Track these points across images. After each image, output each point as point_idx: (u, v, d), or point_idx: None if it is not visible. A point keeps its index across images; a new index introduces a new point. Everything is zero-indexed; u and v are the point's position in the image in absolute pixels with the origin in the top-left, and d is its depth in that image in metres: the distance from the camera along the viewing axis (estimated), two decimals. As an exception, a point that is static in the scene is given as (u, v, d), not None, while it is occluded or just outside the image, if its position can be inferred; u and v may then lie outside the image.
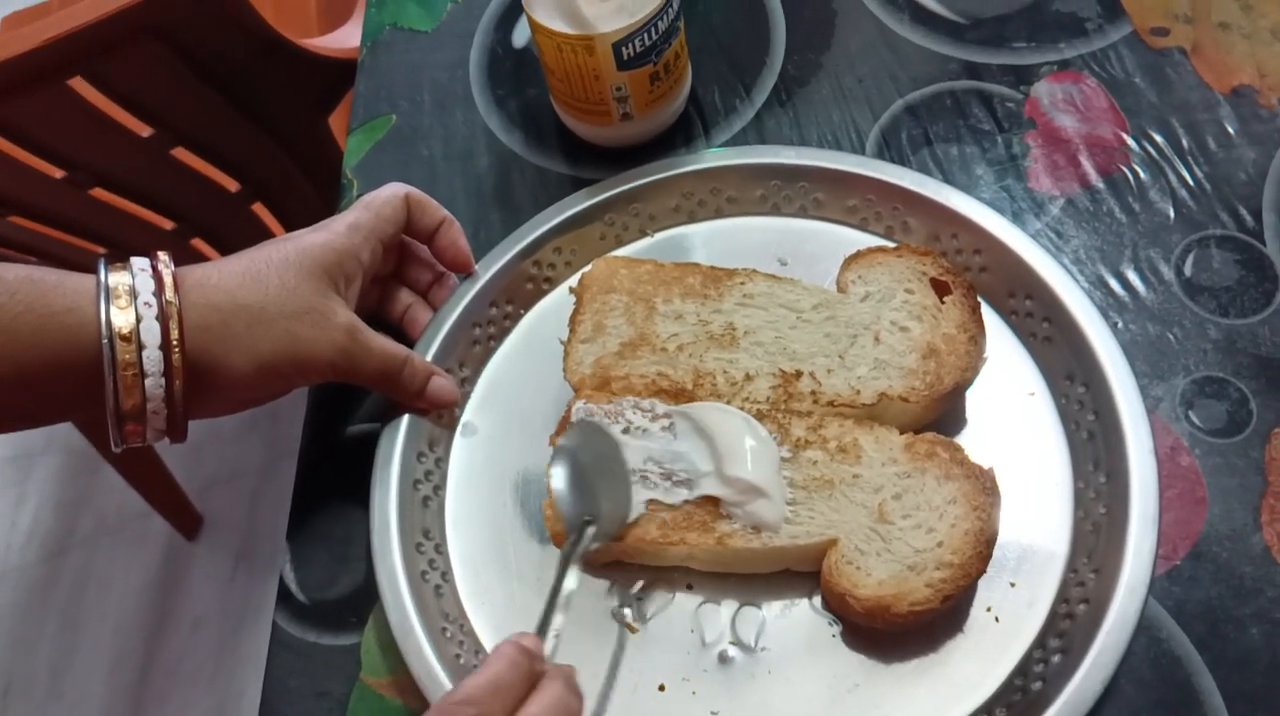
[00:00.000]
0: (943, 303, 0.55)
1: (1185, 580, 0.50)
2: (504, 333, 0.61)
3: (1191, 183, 0.60)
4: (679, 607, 0.52)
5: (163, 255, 0.50)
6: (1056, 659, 0.47)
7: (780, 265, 0.60)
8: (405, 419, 0.56)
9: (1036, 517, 0.52)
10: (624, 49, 0.59)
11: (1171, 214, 0.59)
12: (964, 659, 0.49)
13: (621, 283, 0.57)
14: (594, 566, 0.53)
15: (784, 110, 0.67)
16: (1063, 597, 0.49)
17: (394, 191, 0.58)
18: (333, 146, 1.06)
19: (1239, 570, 0.50)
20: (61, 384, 0.47)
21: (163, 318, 0.47)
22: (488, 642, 0.52)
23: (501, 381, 0.60)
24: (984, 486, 0.49)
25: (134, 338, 0.46)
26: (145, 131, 0.93)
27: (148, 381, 0.47)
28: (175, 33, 0.85)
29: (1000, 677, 0.48)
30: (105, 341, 0.46)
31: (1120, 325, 0.56)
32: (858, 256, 0.57)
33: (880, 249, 0.57)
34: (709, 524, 0.50)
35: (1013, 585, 0.50)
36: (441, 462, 0.57)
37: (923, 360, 0.53)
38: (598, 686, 0.50)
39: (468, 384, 0.60)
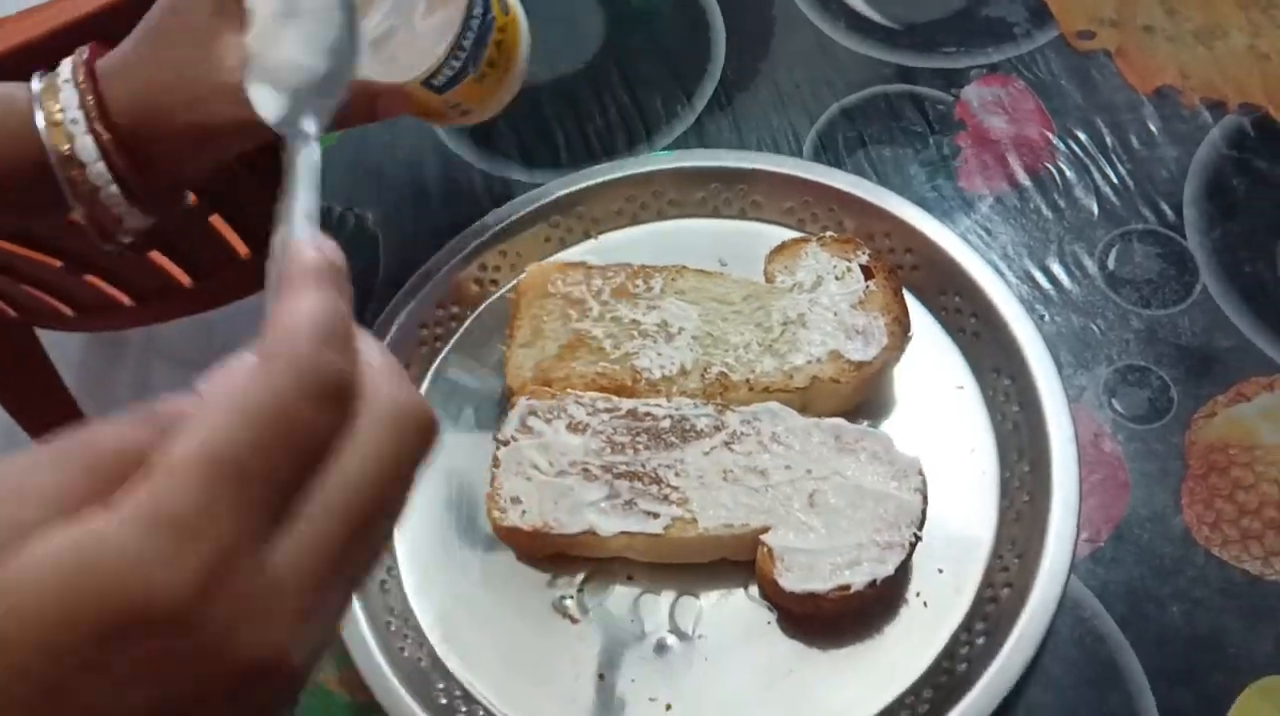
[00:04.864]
0: (868, 287, 0.56)
1: (1108, 561, 0.52)
2: (450, 333, 0.62)
3: (1115, 180, 0.62)
4: (619, 598, 0.53)
5: (83, 48, 0.50)
6: (981, 641, 0.49)
7: (720, 265, 0.62)
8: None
9: (964, 506, 0.53)
10: (434, 81, 0.55)
11: (1096, 210, 0.61)
12: (894, 644, 0.50)
13: (556, 286, 0.58)
14: (534, 559, 0.54)
15: (724, 114, 0.68)
16: (988, 582, 0.51)
17: None
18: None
19: (1160, 551, 0.52)
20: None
21: (83, 97, 0.48)
22: (433, 637, 0.53)
23: (446, 381, 0.61)
24: (911, 475, 0.51)
25: (62, 125, 0.48)
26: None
27: (89, 169, 0.48)
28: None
29: (928, 660, 0.50)
30: (45, 139, 0.48)
31: (1046, 318, 0.58)
32: (782, 248, 0.59)
33: (803, 239, 0.59)
34: (649, 515, 0.51)
35: (940, 571, 0.52)
36: (388, 462, 0.58)
37: (850, 342, 0.55)
38: (539, 676, 0.51)
39: (414, 384, 0.61)
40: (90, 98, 0.49)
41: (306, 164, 0.33)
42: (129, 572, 0.22)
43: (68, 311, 1.14)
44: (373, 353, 0.27)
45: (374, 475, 0.26)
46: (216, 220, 1.09)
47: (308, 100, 0.37)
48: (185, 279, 1.13)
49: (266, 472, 0.24)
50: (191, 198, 1.03)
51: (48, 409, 1.31)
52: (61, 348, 1.34)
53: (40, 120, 0.48)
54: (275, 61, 0.41)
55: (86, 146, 0.48)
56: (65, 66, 0.50)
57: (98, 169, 0.49)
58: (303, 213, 0.31)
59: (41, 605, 0.22)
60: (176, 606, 0.22)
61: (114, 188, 0.49)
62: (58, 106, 0.49)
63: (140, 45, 0.51)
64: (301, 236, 0.29)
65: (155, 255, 1.09)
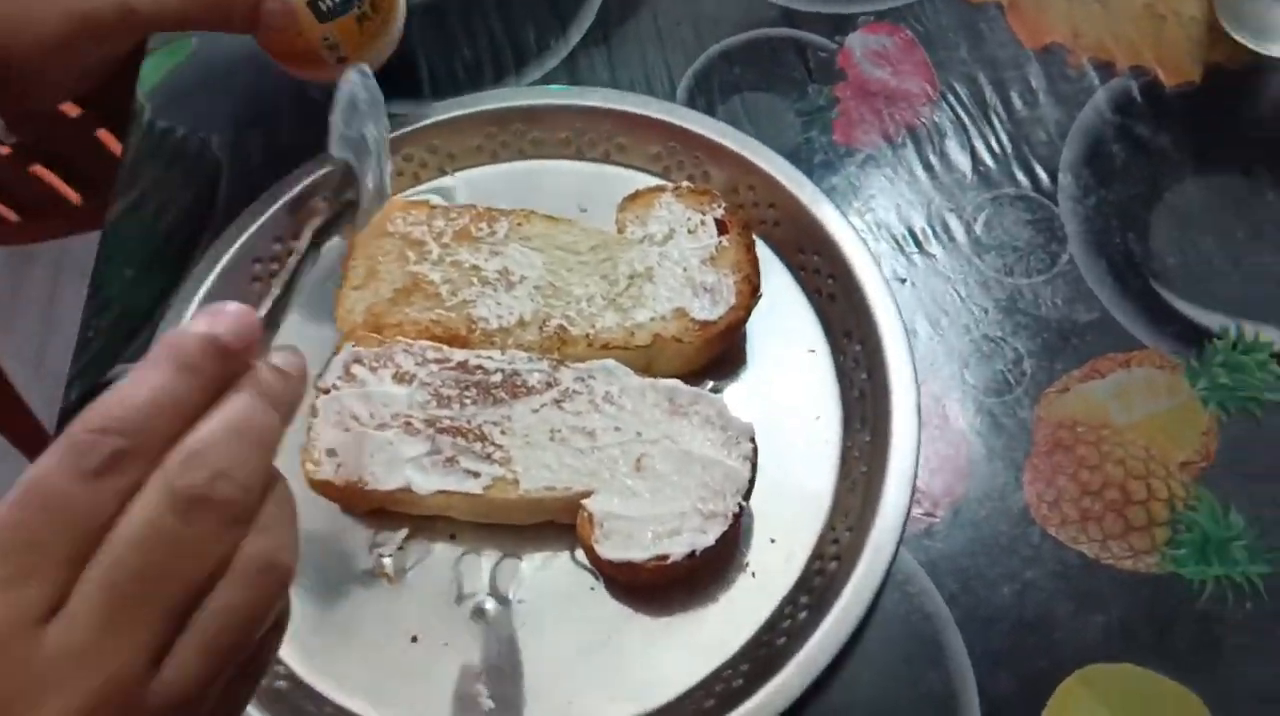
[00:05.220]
0: (720, 243, 0.54)
1: (943, 537, 0.50)
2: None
3: (993, 141, 0.60)
4: (439, 558, 0.51)
5: None
6: (804, 615, 0.47)
7: (580, 211, 0.59)
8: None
9: (803, 475, 0.51)
10: (320, 4, 0.55)
11: (969, 172, 0.59)
12: (718, 614, 0.49)
13: (396, 225, 0.55)
14: (355, 513, 0.51)
15: (599, 50, 0.65)
16: (818, 555, 0.49)
17: None
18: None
19: (996, 528, 0.50)
20: None
21: None
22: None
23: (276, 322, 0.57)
24: (743, 442, 0.49)
25: None
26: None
27: None
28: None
29: (749, 633, 0.48)
30: None
31: (907, 281, 0.56)
32: (636, 197, 0.56)
33: (659, 189, 0.56)
34: (469, 473, 0.49)
35: (773, 541, 0.50)
36: (210, 404, 0.55)
37: (696, 299, 0.52)
38: (347, 636, 0.49)
39: (245, 323, 0.57)
40: None
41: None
42: None
43: None
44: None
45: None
46: (105, 135, 1.03)
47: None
48: (74, 195, 1.08)
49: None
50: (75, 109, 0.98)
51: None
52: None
53: None
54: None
55: None
56: None
57: None
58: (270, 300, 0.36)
59: None
60: None
61: None
62: None
63: None
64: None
65: (41, 170, 1.04)
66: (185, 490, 0.27)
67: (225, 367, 0.30)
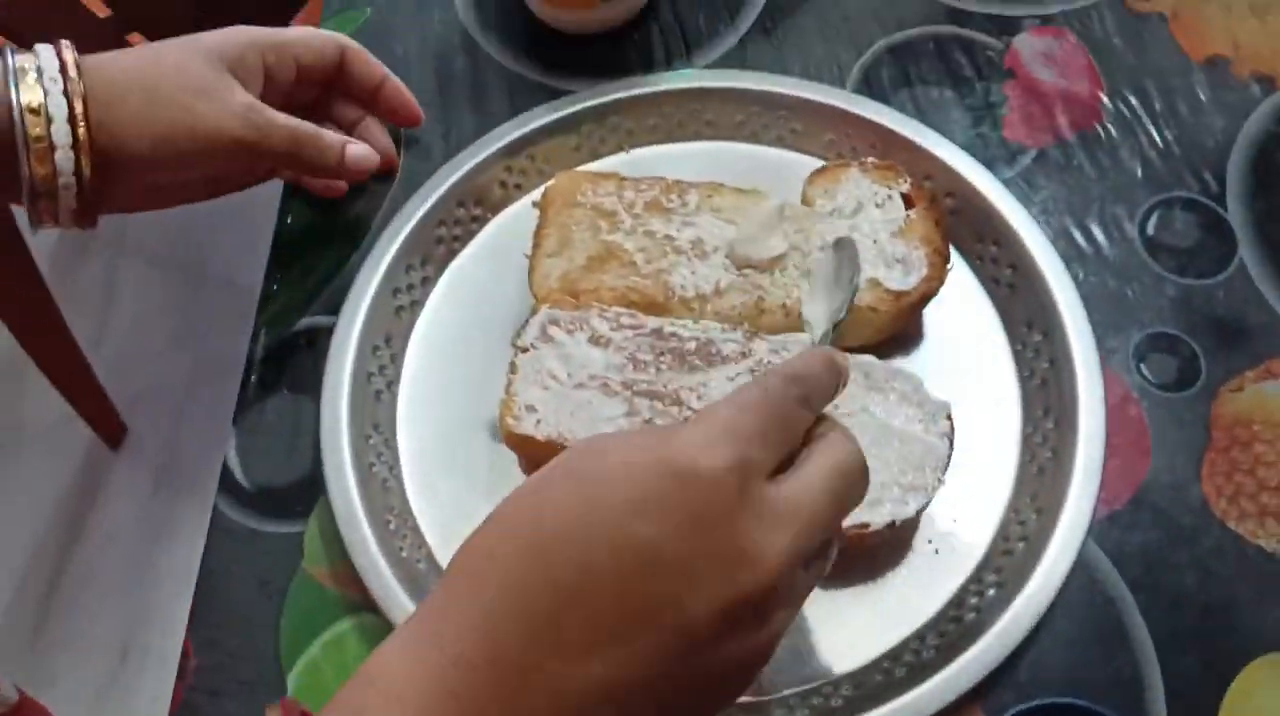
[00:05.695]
0: (908, 216, 0.55)
1: (1125, 525, 0.51)
2: (470, 235, 0.60)
3: (1161, 145, 0.61)
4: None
5: (64, 41, 0.50)
6: (992, 592, 0.48)
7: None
8: (362, 311, 0.55)
9: (985, 457, 0.52)
10: None
11: (1139, 173, 0.60)
12: (902, 586, 0.50)
13: (586, 196, 0.56)
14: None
15: (766, 40, 0.66)
16: (1003, 535, 0.50)
17: (332, 35, 0.59)
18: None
19: (1177, 519, 0.51)
20: None
21: (68, 93, 0.48)
22: (431, 538, 0.52)
23: (463, 283, 0.59)
24: (940, 419, 0.50)
25: (42, 111, 0.47)
26: (104, 12, 0.89)
27: (57, 154, 0.48)
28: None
29: (937, 606, 0.49)
30: (16, 115, 0.47)
31: (1081, 277, 0.57)
32: (823, 171, 0.57)
33: (844, 163, 0.57)
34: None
35: (955, 521, 0.51)
36: (397, 358, 0.56)
37: (888, 271, 0.53)
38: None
39: (429, 283, 0.59)
40: (78, 101, 0.48)
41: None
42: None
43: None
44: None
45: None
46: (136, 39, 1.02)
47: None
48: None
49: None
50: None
51: (22, 294, 1.27)
52: (33, 240, 1.30)
53: (15, 103, 0.47)
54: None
55: (64, 148, 0.48)
56: (47, 57, 0.48)
57: (66, 176, 0.48)
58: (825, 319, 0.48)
59: None
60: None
61: (73, 190, 0.49)
62: (37, 98, 0.48)
63: (133, 74, 0.51)
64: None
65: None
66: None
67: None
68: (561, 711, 0.31)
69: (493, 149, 0.60)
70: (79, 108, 0.48)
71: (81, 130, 0.48)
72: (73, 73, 0.49)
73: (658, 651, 0.32)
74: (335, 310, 0.56)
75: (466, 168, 0.59)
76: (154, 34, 0.92)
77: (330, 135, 0.56)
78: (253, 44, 0.55)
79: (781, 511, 0.34)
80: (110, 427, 1.52)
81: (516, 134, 0.60)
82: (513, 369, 0.52)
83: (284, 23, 1.00)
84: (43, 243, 1.61)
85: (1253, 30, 0.65)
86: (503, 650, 0.31)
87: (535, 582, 0.32)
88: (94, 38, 0.88)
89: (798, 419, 0.37)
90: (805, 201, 0.56)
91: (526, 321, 0.53)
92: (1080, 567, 0.50)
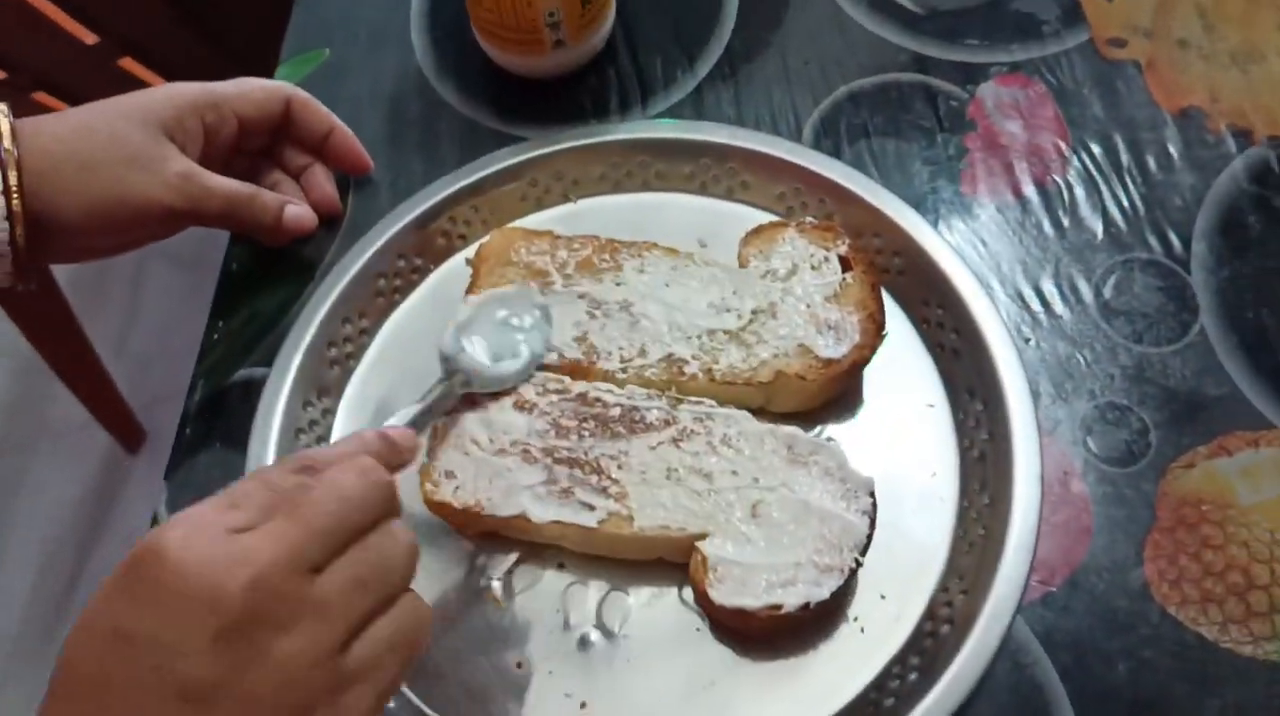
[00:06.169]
0: (844, 280, 0.53)
1: (1059, 608, 0.49)
2: (410, 286, 0.59)
3: (1125, 203, 0.59)
4: (547, 586, 0.51)
5: (2, 106, 0.51)
6: (913, 676, 0.47)
7: (700, 246, 0.59)
8: (294, 364, 0.55)
9: (917, 532, 0.51)
10: None
11: (1100, 233, 0.58)
12: (824, 666, 0.48)
13: (519, 254, 0.55)
14: (469, 536, 0.52)
15: (726, 85, 0.65)
16: (929, 615, 0.49)
17: (275, 86, 0.59)
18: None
19: (1114, 603, 0.49)
20: None
21: (2, 164, 0.49)
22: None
23: (401, 336, 0.58)
24: (861, 496, 0.48)
25: None
26: (90, 39, 0.90)
27: None
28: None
29: (856, 690, 0.47)
30: None
31: (1032, 341, 0.55)
32: (759, 231, 0.56)
33: (782, 224, 0.56)
34: (585, 506, 0.49)
35: (883, 597, 0.49)
36: (329, 414, 0.56)
37: (820, 337, 0.52)
38: (454, 657, 0.49)
39: (366, 336, 0.58)
40: (13, 173, 0.49)
41: (439, 391, 0.49)
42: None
43: None
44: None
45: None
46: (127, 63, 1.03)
47: (476, 375, 0.51)
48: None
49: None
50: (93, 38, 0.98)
51: (38, 301, 1.29)
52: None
53: None
54: (483, 345, 0.52)
55: None
56: None
57: (0, 245, 0.49)
58: (408, 414, 0.47)
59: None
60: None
61: (8, 257, 0.50)
62: None
63: (68, 144, 0.52)
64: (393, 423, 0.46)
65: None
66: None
67: (392, 492, 0.40)
68: None
69: (438, 198, 0.59)
70: (13, 179, 0.49)
71: (15, 202, 0.49)
72: (8, 143, 0.49)
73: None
74: (271, 362, 0.56)
75: (410, 218, 0.59)
76: (142, 60, 0.93)
77: (267, 196, 0.57)
78: (191, 105, 0.55)
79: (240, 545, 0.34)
80: (128, 431, 1.55)
81: (462, 183, 0.60)
82: (434, 433, 0.51)
83: (270, 34, 1.01)
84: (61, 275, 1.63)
85: (1234, 80, 0.62)
86: None
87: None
88: (81, 64, 0.89)
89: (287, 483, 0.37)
90: (741, 261, 0.55)
91: (452, 383, 0.52)
92: (1008, 653, 0.48)
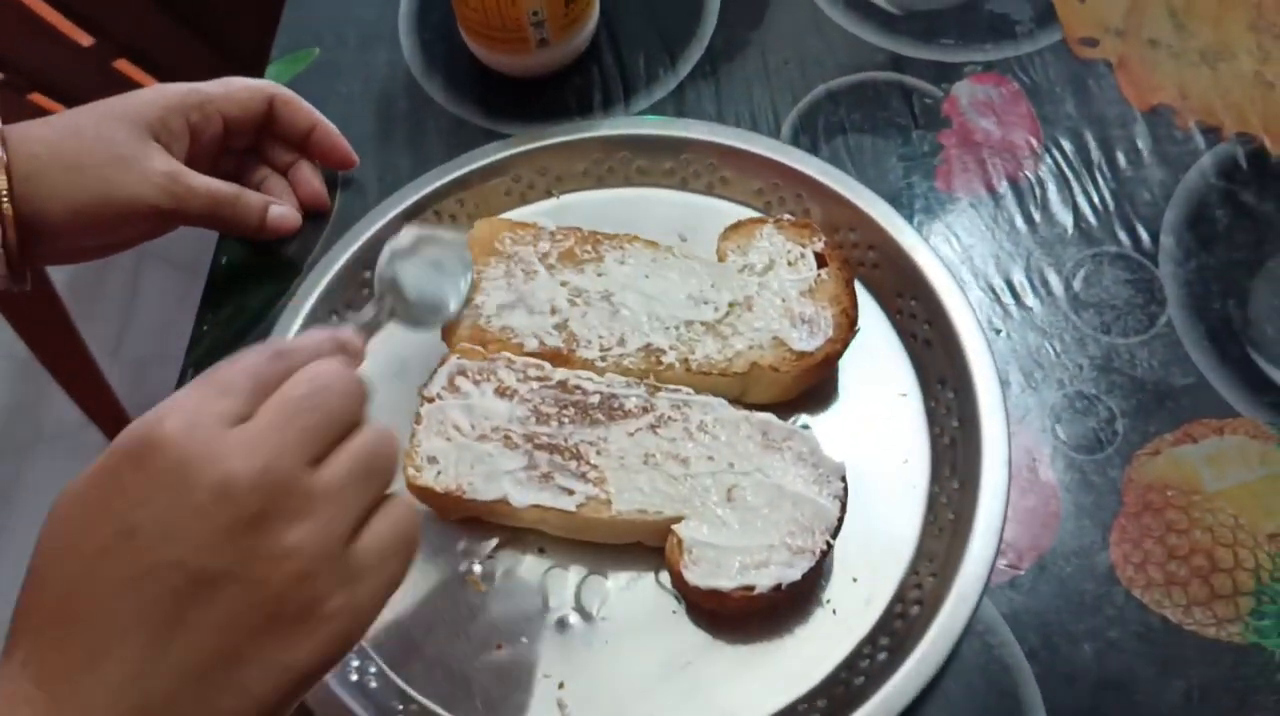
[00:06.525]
0: (819, 276, 0.55)
1: (1027, 590, 0.50)
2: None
3: (1096, 198, 0.60)
4: (527, 570, 0.52)
5: None
6: (883, 656, 0.48)
7: (680, 240, 0.60)
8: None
9: (888, 517, 0.52)
10: None
11: (1070, 227, 0.59)
12: (797, 648, 0.49)
13: (504, 245, 0.56)
14: (450, 521, 0.53)
15: (707, 83, 0.66)
16: (899, 598, 0.50)
17: (258, 84, 0.60)
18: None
19: (1081, 586, 0.50)
20: None
21: None
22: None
23: (386, 330, 0.59)
24: (833, 481, 0.50)
25: None
26: (87, 41, 0.91)
27: None
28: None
29: (828, 669, 0.49)
30: None
31: (1003, 332, 0.56)
32: (737, 227, 0.57)
33: (760, 220, 0.57)
34: (564, 491, 0.50)
35: (855, 580, 0.51)
36: (314, 404, 0.57)
37: (794, 330, 0.53)
38: (435, 638, 0.50)
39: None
40: (2, 176, 0.50)
41: (372, 312, 0.48)
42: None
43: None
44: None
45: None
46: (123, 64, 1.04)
47: (401, 305, 0.50)
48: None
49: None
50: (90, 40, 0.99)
51: (33, 302, 1.30)
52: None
53: None
54: (413, 279, 0.51)
55: None
56: None
57: None
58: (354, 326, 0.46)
59: None
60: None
61: (1, 258, 0.51)
62: None
63: (54, 146, 0.53)
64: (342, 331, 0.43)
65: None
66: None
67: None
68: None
69: (423, 193, 0.61)
70: (2, 183, 0.50)
71: (6, 204, 0.50)
72: None
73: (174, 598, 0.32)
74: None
75: (395, 212, 0.60)
76: (138, 61, 0.94)
77: (251, 197, 0.58)
78: (177, 105, 0.56)
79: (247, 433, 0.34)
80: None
81: (448, 178, 0.61)
82: (417, 419, 0.52)
83: (265, 34, 1.02)
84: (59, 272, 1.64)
85: (1203, 79, 0.64)
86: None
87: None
88: (78, 66, 0.91)
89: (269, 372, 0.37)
90: (719, 256, 0.56)
91: (435, 371, 0.54)
92: (977, 634, 0.49)
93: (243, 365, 0.37)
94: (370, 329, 0.47)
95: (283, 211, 0.59)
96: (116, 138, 0.53)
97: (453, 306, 0.53)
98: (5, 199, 0.50)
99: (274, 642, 0.34)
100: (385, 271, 0.50)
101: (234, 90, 0.59)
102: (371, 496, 0.37)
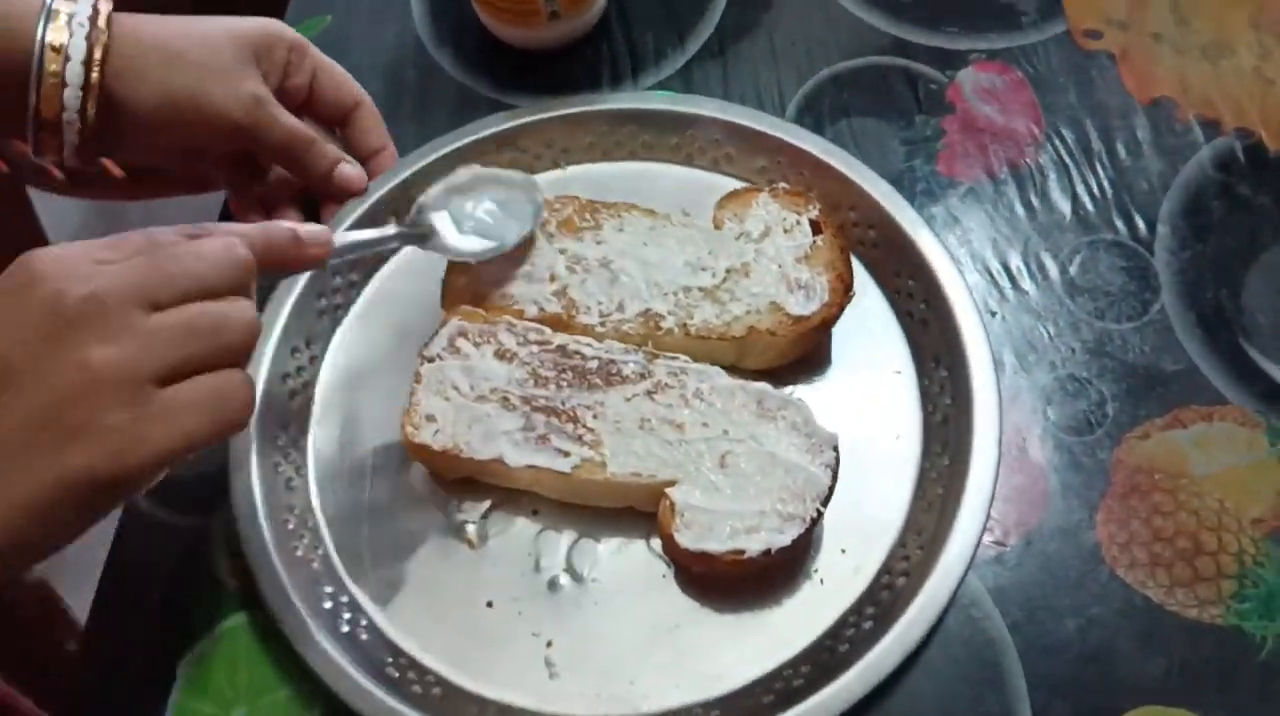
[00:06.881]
0: (814, 242, 0.55)
1: (1013, 566, 0.51)
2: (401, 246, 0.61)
3: (1094, 186, 0.61)
4: (520, 531, 0.53)
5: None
6: (869, 625, 0.49)
7: (683, 215, 0.60)
8: (285, 310, 0.57)
9: (878, 490, 0.53)
10: None
11: (1069, 214, 0.60)
12: (784, 615, 0.50)
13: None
14: (445, 479, 0.54)
15: (714, 62, 0.67)
16: (886, 569, 0.51)
17: (357, 86, 0.61)
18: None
19: (1066, 563, 0.51)
20: None
21: (91, 39, 0.50)
22: (329, 542, 0.53)
23: (388, 293, 0.60)
24: (826, 450, 0.50)
25: (62, 50, 0.50)
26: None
27: (66, 91, 0.50)
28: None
29: (813, 636, 0.49)
30: (37, 49, 0.50)
31: (998, 314, 0.57)
32: (733, 195, 0.58)
33: (755, 189, 0.58)
34: (560, 452, 0.51)
35: (843, 551, 0.51)
36: (316, 361, 0.58)
37: (791, 295, 0.54)
38: (427, 596, 0.51)
39: (355, 289, 0.60)
40: (99, 48, 0.50)
41: (389, 233, 0.54)
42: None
43: (58, 174, 1.12)
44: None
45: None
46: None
47: (438, 240, 0.55)
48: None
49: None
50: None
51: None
52: (61, 214, 1.33)
53: (40, 39, 0.50)
54: (462, 214, 0.56)
55: (74, 86, 0.50)
56: (83, 6, 0.51)
57: (71, 113, 0.51)
58: (350, 235, 0.53)
59: None
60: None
61: (75, 127, 0.51)
62: (61, 38, 0.50)
63: (161, 38, 0.53)
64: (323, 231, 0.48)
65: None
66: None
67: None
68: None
69: (429, 159, 0.61)
70: (98, 54, 0.50)
71: (95, 74, 0.50)
72: (101, 23, 0.51)
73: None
74: (261, 308, 0.57)
75: (400, 178, 0.61)
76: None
77: (327, 147, 0.58)
78: (281, 39, 0.57)
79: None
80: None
81: (452, 146, 0.62)
82: (417, 378, 0.53)
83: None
84: (70, 220, 1.64)
85: (1204, 73, 0.64)
86: None
87: None
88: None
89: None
90: (715, 224, 0.57)
91: (436, 332, 0.54)
92: (962, 606, 0.50)
93: (148, 231, 0.41)
94: (376, 246, 0.50)
95: (353, 172, 0.59)
96: (221, 47, 0.54)
97: (500, 244, 0.55)
98: (97, 69, 0.50)
99: (45, 446, 0.37)
100: (434, 204, 0.54)
101: (339, 73, 0.60)
102: (200, 351, 0.40)
